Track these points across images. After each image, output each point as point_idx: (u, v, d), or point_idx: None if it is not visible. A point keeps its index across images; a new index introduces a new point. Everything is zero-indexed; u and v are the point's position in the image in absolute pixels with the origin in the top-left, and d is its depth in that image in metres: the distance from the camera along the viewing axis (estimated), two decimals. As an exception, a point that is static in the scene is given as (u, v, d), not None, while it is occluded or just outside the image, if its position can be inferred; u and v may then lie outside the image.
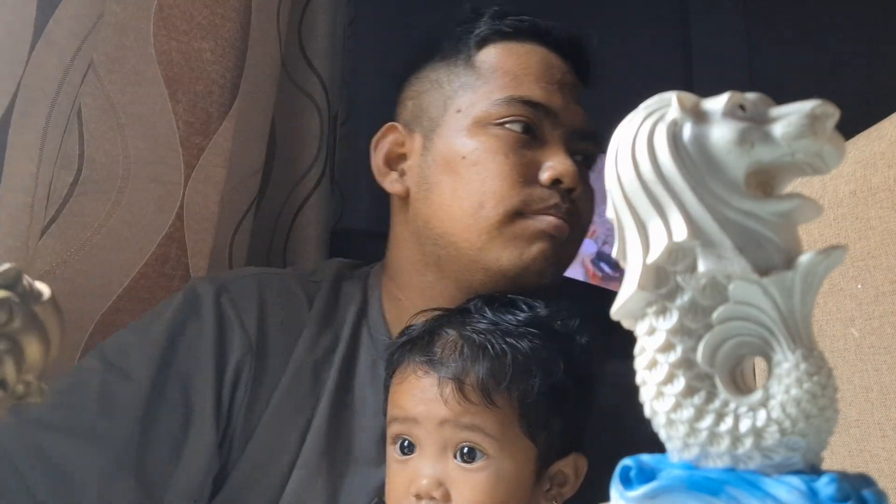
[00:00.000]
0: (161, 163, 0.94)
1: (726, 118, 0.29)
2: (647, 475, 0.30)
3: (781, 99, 0.30)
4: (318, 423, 0.77)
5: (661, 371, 0.30)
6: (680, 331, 0.30)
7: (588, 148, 0.83)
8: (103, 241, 0.91)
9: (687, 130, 0.29)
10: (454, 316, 0.70)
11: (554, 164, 0.77)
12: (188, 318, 0.78)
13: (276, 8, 1.07)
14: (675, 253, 0.30)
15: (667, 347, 0.30)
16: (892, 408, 0.54)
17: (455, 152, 0.80)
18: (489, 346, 0.65)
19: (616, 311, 0.31)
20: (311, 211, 1.19)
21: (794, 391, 0.29)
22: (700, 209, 0.29)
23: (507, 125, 0.79)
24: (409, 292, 0.83)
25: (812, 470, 0.29)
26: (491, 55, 0.84)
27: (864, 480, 0.29)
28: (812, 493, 0.28)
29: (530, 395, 0.64)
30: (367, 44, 1.54)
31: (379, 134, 0.88)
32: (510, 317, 0.68)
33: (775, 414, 0.29)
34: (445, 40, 0.87)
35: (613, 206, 0.31)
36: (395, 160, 0.86)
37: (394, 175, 0.86)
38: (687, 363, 0.30)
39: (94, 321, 0.92)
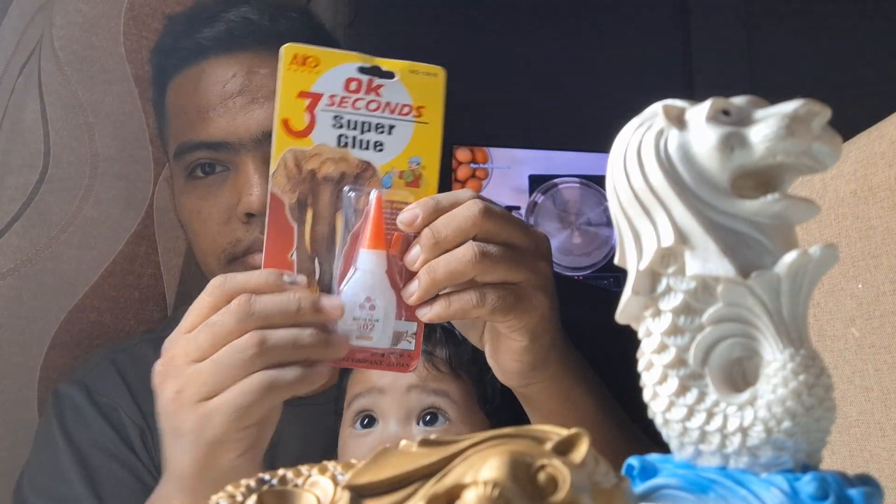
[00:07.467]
0: (130, 160, 0.94)
1: (710, 124, 0.30)
2: (648, 474, 0.30)
3: (781, 98, 0.30)
4: None
5: (657, 372, 0.30)
6: (673, 332, 0.31)
7: None
8: (70, 238, 0.92)
9: (672, 139, 0.30)
10: None
11: (241, 197, 0.73)
12: (76, 427, 0.79)
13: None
14: (666, 257, 0.30)
15: (661, 349, 0.31)
16: (892, 408, 0.55)
17: (177, 211, 0.82)
18: (455, 332, 0.67)
19: (618, 315, 0.31)
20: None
21: (780, 391, 0.29)
22: (686, 214, 0.30)
23: (191, 176, 0.77)
24: None
25: (804, 469, 0.28)
26: (168, 97, 0.81)
27: (864, 480, 0.29)
28: (794, 492, 0.28)
29: (487, 378, 0.66)
30: (367, 45, 1.52)
31: None
32: None
33: (761, 413, 0.29)
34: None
35: (613, 216, 0.31)
36: None
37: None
38: (680, 364, 0.30)
39: (59, 320, 0.93)
